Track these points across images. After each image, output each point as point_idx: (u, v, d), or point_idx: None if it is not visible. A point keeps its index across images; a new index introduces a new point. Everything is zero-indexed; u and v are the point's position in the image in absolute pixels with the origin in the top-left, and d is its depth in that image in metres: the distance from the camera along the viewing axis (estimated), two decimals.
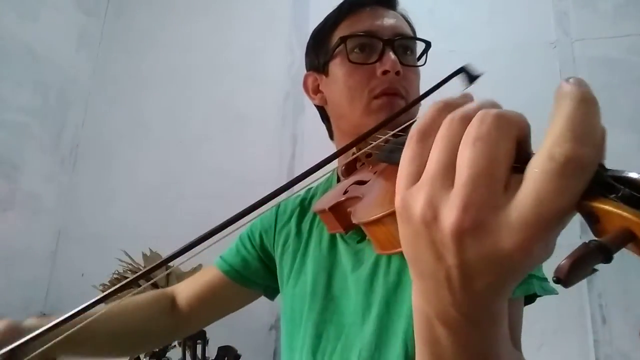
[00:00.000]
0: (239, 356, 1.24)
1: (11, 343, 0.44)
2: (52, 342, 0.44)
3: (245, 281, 0.76)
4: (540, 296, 0.50)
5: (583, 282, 1.24)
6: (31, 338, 0.42)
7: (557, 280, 0.20)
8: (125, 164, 1.77)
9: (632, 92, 1.35)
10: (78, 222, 1.73)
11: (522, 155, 0.22)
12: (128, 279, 0.45)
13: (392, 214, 0.34)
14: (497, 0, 1.57)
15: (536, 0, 1.51)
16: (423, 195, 0.23)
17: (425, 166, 0.24)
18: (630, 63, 1.38)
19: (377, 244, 0.38)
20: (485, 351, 0.27)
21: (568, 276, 0.19)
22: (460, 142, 0.23)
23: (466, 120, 0.23)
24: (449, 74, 0.49)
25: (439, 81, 0.49)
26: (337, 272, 0.64)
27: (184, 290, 0.78)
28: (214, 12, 1.88)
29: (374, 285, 0.58)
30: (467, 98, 0.27)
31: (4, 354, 0.45)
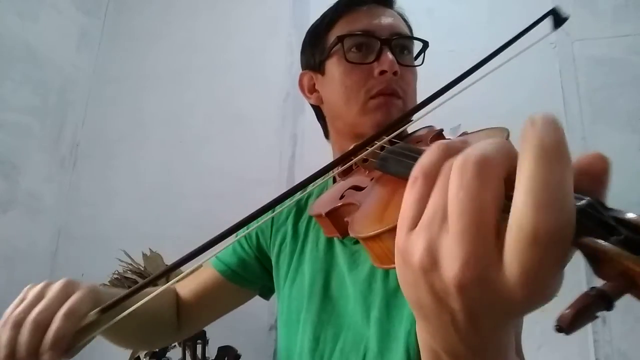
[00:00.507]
0: (239, 356, 1.24)
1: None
2: (127, 312, 0.45)
3: (241, 281, 0.76)
4: None
5: (583, 282, 1.24)
6: (119, 299, 0.42)
7: (560, 329, 0.19)
8: (125, 163, 1.77)
9: (632, 92, 1.35)
10: (78, 222, 1.73)
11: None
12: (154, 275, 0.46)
13: (391, 230, 0.34)
14: (497, 0, 1.57)
15: (536, 0, 1.51)
16: (421, 242, 0.23)
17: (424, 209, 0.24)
18: (630, 63, 1.38)
19: (375, 258, 0.38)
20: None
21: (570, 327, 0.19)
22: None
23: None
24: (536, 19, 0.47)
25: (525, 27, 0.46)
26: (335, 273, 0.64)
27: (183, 289, 0.77)
28: (214, 12, 1.88)
29: (372, 288, 0.57)
30: (466, 143, 0.26)
31: (97, 312, 0.45)
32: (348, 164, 0.45)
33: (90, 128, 1.87)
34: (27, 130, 1.62)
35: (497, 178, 0.21)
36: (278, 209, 0.65)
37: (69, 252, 1.71)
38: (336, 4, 0.70)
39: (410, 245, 0.24)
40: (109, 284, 1.32)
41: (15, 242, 1.55)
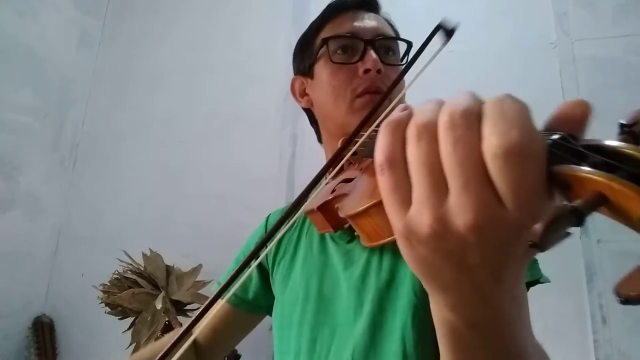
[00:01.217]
0: (239, 356, 1.24)
1: None
2: None
3: (249, 306, 0.76)
4: (533, 285, 0.51)
5: (583, 282, 1.24)
6: None
7: (533, 244, 0.20)
8: (126, 163, 1.77)
9: (632, 92, 1.35)
10: (78, 222, 1.73)
11: None
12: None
13: (377, 205, 0.34)
14: (497, 0, 1.57)
15: (536, 0, 1.52)
16: (426, 214, 0.24)
17: (408, 189, 0.25)
18: (630, 63, 1.38)
19: (364, 235, 0.39)
20: (516, 343, 0.28)
21: (543, 239, 0.20)
22: (434, 153, 0.23)
23: (428, 129, 0.24)
24: (426, 37, 0.50)
25: (418, 48, 0.49)
26: (329, 273, 0.63)
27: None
28: (214, 12, 1.88)
29: (366, 283, 0.57)
30: (407, 109, 0.27)
31: None
32: (341, 162, 0.45)
33: (90, 128, 1.87)
34: (27, 130, 1.62)
35: (476, 122, 0.23)
36: (282, 230, 0.65)
37: (69, 252, 1.71)
38: (323, 11, 0.72)
39: (416, 222, 0.24)
40: (109, 283, 1.32)
41: (15, 242, 1.55)
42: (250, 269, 0.67)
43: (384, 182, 0.26)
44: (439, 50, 0.48)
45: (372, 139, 0.48)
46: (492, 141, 0.21)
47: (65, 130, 1.79)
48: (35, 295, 1.62)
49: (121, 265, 1.35)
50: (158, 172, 1.71)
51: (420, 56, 0.49)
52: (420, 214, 0.24)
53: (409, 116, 0.26)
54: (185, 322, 1.28)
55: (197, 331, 0.45)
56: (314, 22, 0.73)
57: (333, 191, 0.52)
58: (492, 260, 0.24)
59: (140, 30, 1.95)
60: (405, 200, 0.25)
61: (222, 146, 1.68)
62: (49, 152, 1.72)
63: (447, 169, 0.23)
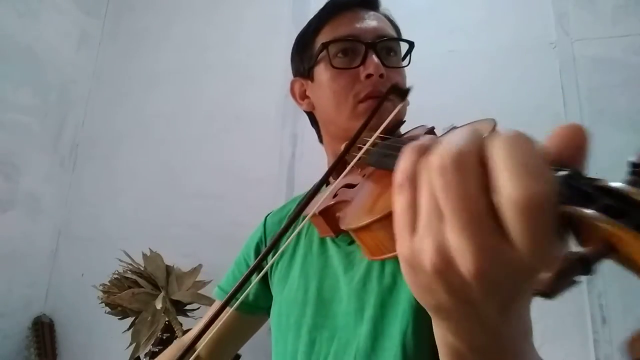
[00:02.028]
0: (239, 356, 1.24)
1: None
2: None
3: (251, 309, 0.75)
4: None
5: (583, 283, 1.24)
6: None
7: (543, 294, 0.20)
8: (125, 163, 1.77)
9: (632, 92, 1.35)
10: (78, 222, 1.74)
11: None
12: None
13: (380, 220, 0.34)
14: (497, 0, 1.57)
15: (536, 0, 1.51)
16: (428, 244, 0.23)
17: (417, 213, 0.24)
18: (630, 63, 1.38)
19: (366, 249, 0.38)
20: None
21: (552, 290, 0.20)
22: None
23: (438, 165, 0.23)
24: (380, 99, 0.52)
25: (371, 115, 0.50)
26: (329, 275, 0.63)
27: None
28: (214, 12, 1.88)
29: (367, 287, 0.57)
30: (434, 139, 0.27)
31: None
32: (347, 168, 0.45)
33: (90, 128, 1.87)
34: (27, 130, 1.62)
35: (475, 165, 0.22)
36: (284, 241, 0.65)
37: (69, 252, 1.71)
38: (320, 10, 0.70)
39: (417, 250, 0.24)
40: (109, 283, 1.32)
41: (15, 242, 1.55)
42: (251, 285, 0.67)
43: (398, 200, 0.25)
44: (396, 111, 0.48)
45: (376, 146, 0.48)
46: (508, 191, 0.20)
47: (65, 131, 1.79)
48: (35, 295, 1.62)
49: (121, 265, 1.35)
50: (158, 172, 1.71)
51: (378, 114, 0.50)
52: (422, 241, 0.23)
53: (433, 143, 0.25)
54: (185, 322, 1.28)
55: (200, 347, 0.45)
56: (311, 21, 0.71)
57: (335, 195, 0.52)
58: (499, 299, 0.23)
59: (140, 30, 1.95)
60: (413, 221, 0.24)
61: (221, 146, 1.68)
62: (49, 152, 1.72)
63: (443, 209, 0.22)
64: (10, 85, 1.56)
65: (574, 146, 0.23)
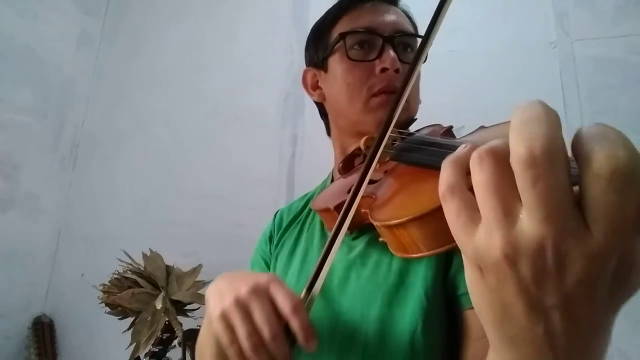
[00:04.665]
0: None
1: None
2: None
3: None
4: None
5: None
6: None
7: None
8: (126, 163, 1.77)
9: (632, 92, 1.35)
10: (78, 222, 1.73)
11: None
12: None
13: (417, 219, 0.34)
14: (497, 0, 1.57)
15: (536, 0, 1.51)
16: (497, 237, 0.23)
17: (471, 211, 0.24)
18: (630, 63, 1.38)
19: (397, 246, 0.37)
20: None
21: None
22: (497, 175, 0.23)
23: (491, 153, 0.23)
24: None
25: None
26: (331, 270, 0.63)
27: None
28: (214, 12, 1.88)
29: (374, 285, 0.56)
30: (468, 147, 0.27)
31: None
32: (371, 167, 0.44)
33: (90, 128, 1.87)
34: (27, 130, 1.62)
35: (564, 158, 0.22)
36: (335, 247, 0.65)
37: (69, 252, 1.71)
38: (340, 1, 0.69)
39: (484, 246, 0.23)
40: (109, 283, 1.32)
41: (15, 242, 1.55)
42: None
43: (448, 209, 0.25)
44: (403, 100, 0.47)
45: (407, 143, 0.47)
46: (597, 161, 0.20)
47: (65, 130, 1.79)
48: (35, 295, 1.62)
49: (121, 265, 1.35)
50: (158, 172, 1.71)
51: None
52: (490, 237, 0.23)
53: (471, 149, 0.25)
54: (186, 322, 1.28)
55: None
56: (329, 11, 0.70)
57: (349, 191, 0.51)
58: (572, 298, 0.22)
59: (139, 30, 1.95)
60: (471, 223, 0.24)
61: (221, 146, 1.68)
62: (48, 152, 1.72)
63: (524, 202, 0.22)
64: (10, 85, 1.56)
65: None
